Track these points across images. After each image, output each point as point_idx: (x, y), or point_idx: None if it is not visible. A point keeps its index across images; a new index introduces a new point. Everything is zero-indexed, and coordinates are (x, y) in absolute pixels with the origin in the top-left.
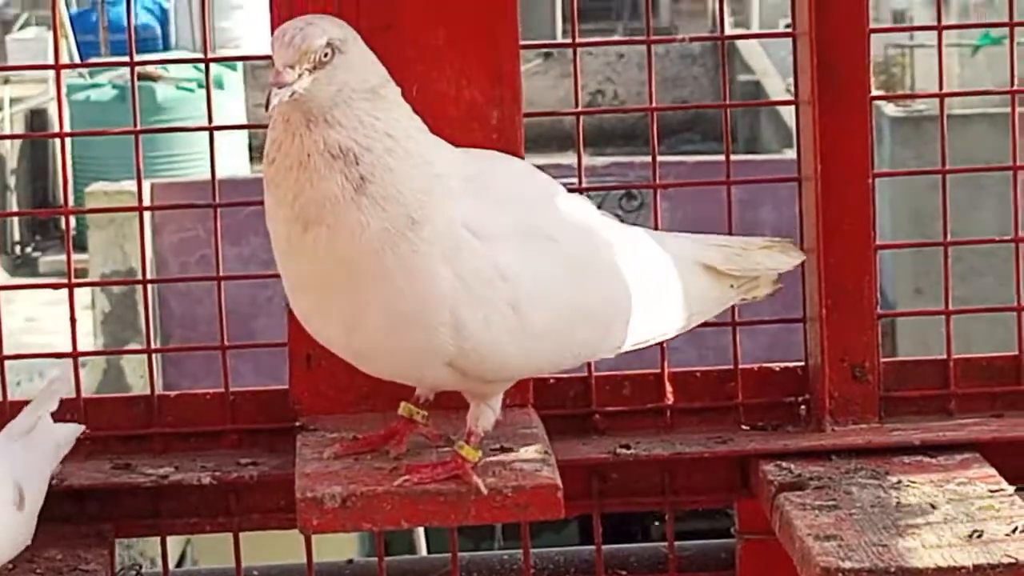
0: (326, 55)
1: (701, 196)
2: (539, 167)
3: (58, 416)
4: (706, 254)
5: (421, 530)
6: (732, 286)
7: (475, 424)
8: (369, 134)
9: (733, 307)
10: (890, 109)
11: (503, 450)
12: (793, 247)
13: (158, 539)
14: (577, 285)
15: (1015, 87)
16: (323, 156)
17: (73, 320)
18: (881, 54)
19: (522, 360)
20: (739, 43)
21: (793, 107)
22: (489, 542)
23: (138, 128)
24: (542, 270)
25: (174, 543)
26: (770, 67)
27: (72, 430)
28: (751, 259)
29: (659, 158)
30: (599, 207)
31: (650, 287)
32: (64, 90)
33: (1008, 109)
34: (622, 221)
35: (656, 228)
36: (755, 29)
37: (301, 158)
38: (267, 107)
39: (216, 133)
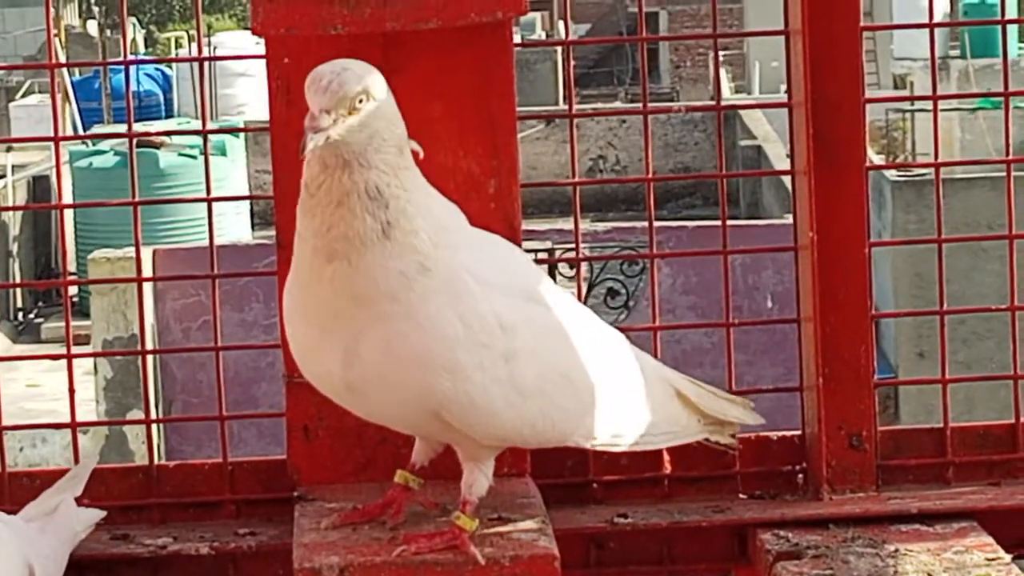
0: (360, 101)
1: (702, 261)
2: (540, 232)
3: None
4: (680, 382)
5: None
6: (699, 421)
7: (468, 492)
8: (397, 183)
9: (731, 373)
10: (892, 173)
11: (500, 520)
12: (752, 410)
13: None
14: (564, 353)
15: (1011, 156)
16: (361, 197)
17: (72, 390)
18: (882, 118)
19: (507, 416)
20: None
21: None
22: None
23: (136, 199)
24: (535, 330)
25: None
26: (771, 132)
27: (92, 515)
28: (718, 403)
29: (660, 223)
30: (602, 271)
31: (629, 383)
32: (66, 158)
33: (1012, 175)
34: (624, 285)
35: (654, 294)
36: (756, 94)
37: (341, 197)
38: (301, 151)
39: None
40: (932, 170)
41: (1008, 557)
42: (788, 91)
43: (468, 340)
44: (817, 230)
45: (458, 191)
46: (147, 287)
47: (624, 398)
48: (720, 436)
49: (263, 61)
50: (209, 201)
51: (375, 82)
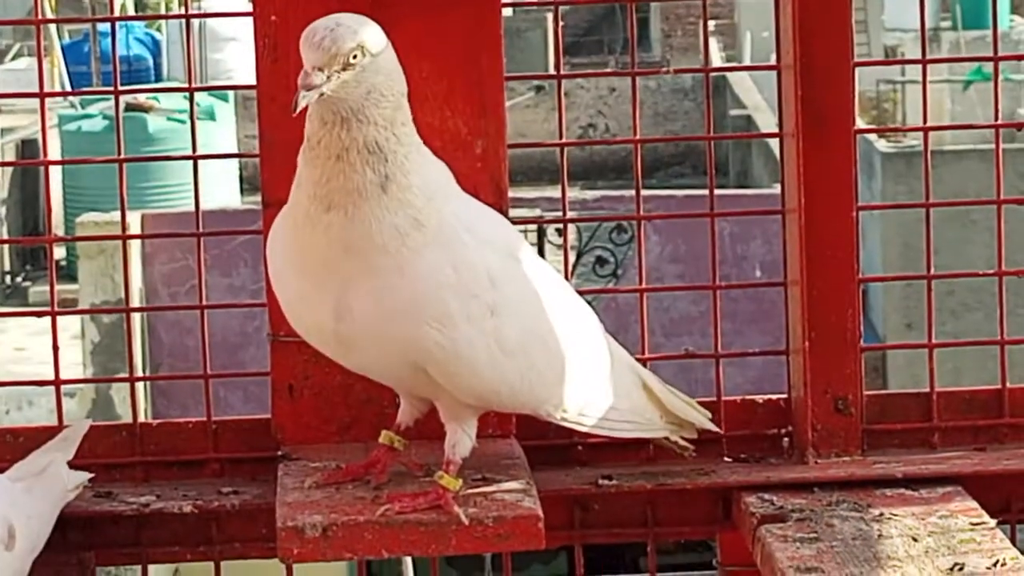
0: (355, 56)
1: (691, 230)
2: (530, 200)
3: (40, 442)
4: (647, 375)
5: (409, 560)
6: (662, 417)
7: (452, 452)
8: (395, 139)
9: (717, 337)
10: (881, 144)
11: (485, 480)
12: (711, 419)
13: (139, 568)
14: (543, 317)
15: (1000, 121)
16: (360, 152)
17: (56, 348)
18: (872, 90)
19: (488, 372)
20: (731, 78)
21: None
22: (479, 573)
23: (122, 156)
24: (518, 289)
25: (156, 572)
26: (761, 102)
27: (81, 476)
28: (679, 404)
29: (649, 192)
30: (591, 239)
31: (600, 361)
32: (54, 120)
33: (1001, 145)
34: (613, 254)
35: (641, 256)
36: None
37: (339, 152)
38: (293, 108)
39: (209, 165)
40: (921, 142)
41: (993, 522)
42: (777, 54)
43: (459, 288)
44: (805, 193)
45: (445, 151)
46: (135, 252)
47: (594, 375)
48: (678, 437)
49: (252, 28)
50: (195, 159)
51: (371, 36)
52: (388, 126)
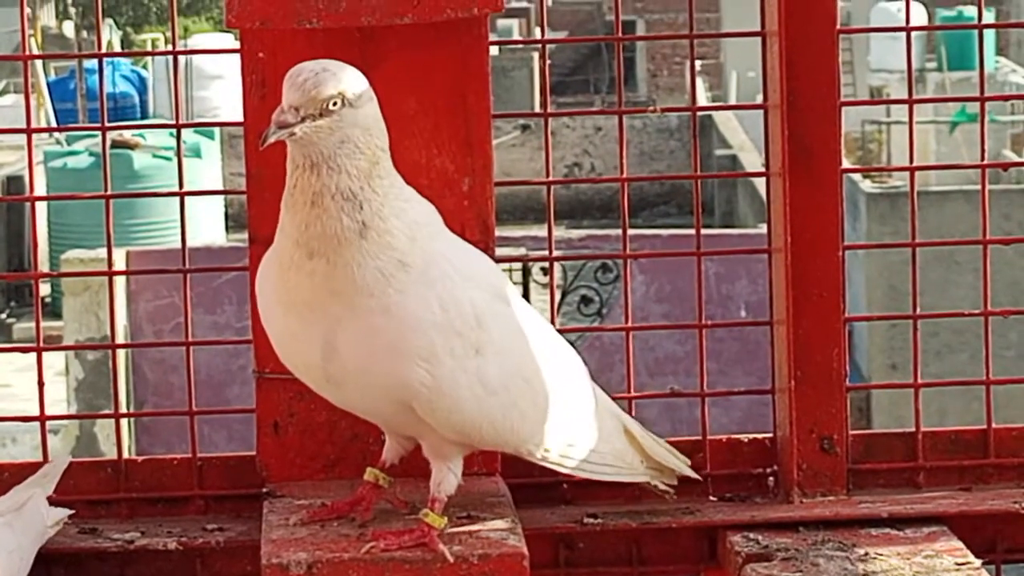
0: (334, 104)
1: (676, 269)
2: (515, 238)
3: (24, 478)
4: (629, 420)
5: None
6: (643, 462)
7: (437, 489)
8: (370, 189)
9: (703, 376)
10: (867, 185)
11: (470, 518)
12: (690, 466)
13: None
14: (527, 357)
15: (985, 161)
16: (335, 198)
17: (41, 384)
18: (858, 130)
19: (470, 408)
20: (716, 118)
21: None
22: None
23: (108, 192)
24: (503, 329)
25: None
26: (746, 142)
27: (61, 513)
28: (660, 450)
29: (635, 231)
30: (576, 278)
31: (582, 404)
32: (40, 157)
33: (987, 185)
34: (598, 293)
35: (627, 294)
36: (731, 103)
37: (313, 198)
38: (261, 142)
39: (194, 202)
40: (907, 183)
41: (978, 562)
42: (764, 93)
43: (444, 325)
44: (791, 232)
45: (431, 188)
46: (120, 289)
47: (577, 417)
48: (659, 483)
49: (238, 66)
50: (181, 195)
51: (355, 88)
52: (362, 178)
